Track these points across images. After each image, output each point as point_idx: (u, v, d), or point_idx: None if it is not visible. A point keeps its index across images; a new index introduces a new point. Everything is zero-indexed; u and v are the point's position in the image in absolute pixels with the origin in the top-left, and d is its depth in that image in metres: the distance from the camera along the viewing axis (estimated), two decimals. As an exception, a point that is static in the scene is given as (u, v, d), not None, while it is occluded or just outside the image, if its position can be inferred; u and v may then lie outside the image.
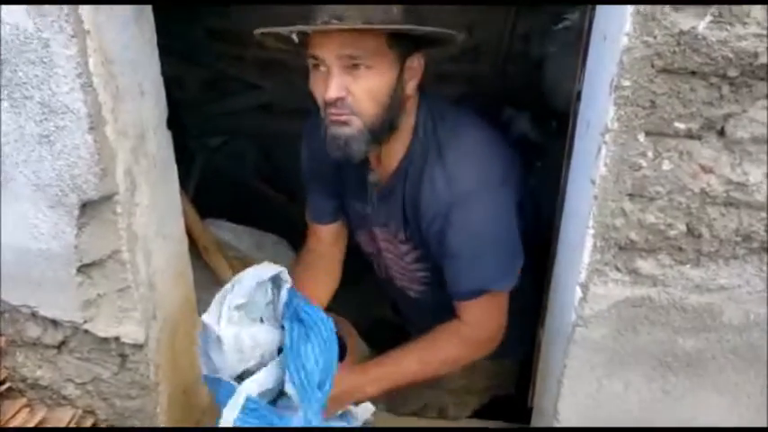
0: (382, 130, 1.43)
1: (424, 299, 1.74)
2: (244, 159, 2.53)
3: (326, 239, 1.80)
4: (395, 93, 1.40)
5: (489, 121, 1.65)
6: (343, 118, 1.38)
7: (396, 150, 1.51)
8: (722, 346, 1.30)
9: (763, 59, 1.05)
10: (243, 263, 2.04)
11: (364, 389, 1.56)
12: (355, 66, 1.34)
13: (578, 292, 1.28)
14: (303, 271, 1.75)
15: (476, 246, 1.48)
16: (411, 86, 1.44)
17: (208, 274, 1.91)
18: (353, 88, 1.36)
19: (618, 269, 1.25)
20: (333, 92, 1.34)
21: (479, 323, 1.58)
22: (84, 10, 1.14)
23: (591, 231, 1.21)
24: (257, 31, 1.38)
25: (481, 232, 1.48)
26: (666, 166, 1.15)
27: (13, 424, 1.45)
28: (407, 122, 1.49)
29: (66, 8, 1.11)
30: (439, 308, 1.64)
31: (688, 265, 1.24)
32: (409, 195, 1.53)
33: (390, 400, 1.89)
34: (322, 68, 1.36)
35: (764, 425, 1.38)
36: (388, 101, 1.40)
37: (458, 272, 1.52)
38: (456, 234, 1.47)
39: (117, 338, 1.45)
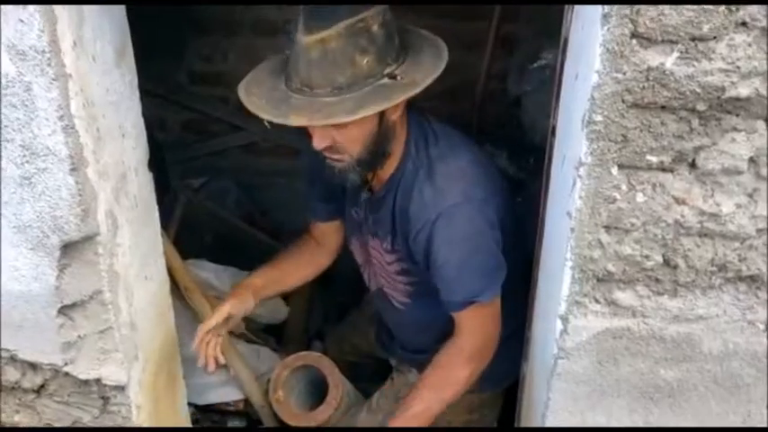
0: (375, 161, 1.53)
1: (408, 310, 1.77)
2: (226, 198, 2.54)
3: (318, 236, 1.90)
4: (380, 130, 1.47)
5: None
6: (334, 158, 1.49)
7: (388, 164, 1.58)
8: (703, 375, 1.31)
9: (730, 93, 1.08)
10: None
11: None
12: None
13: (559, 324, 1.29)
14: (288, 251, 1.92)
15: (460, 256, 1.55)
16: (396, 117, 1.50)
17: (189, 315, 1.89)
18: (337, 138, 1.45)
19: (597, 300, 1.26)
20: (317, 145, 1.45)
21: (476, 333, 1.63)
22: (66, 55, 1.16)
23: (569, 263, 1.23)
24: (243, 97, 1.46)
25: (465, 243, 1.54)
26: (640, 198, 1.17)
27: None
28: (399, 141, 1.56)
29: (47, 53, 1.12)
30: (422, 320, 1.71)
31: (666, 296, 1.25)
32: (399, 206, 1.59)
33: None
34: None
35: (748, 455, 1.39)
36: (375, 138, 1.48)
37: (447, 282, 1.57)
38: (441, 245, 1.53)
39: (98, 380, 1.43)
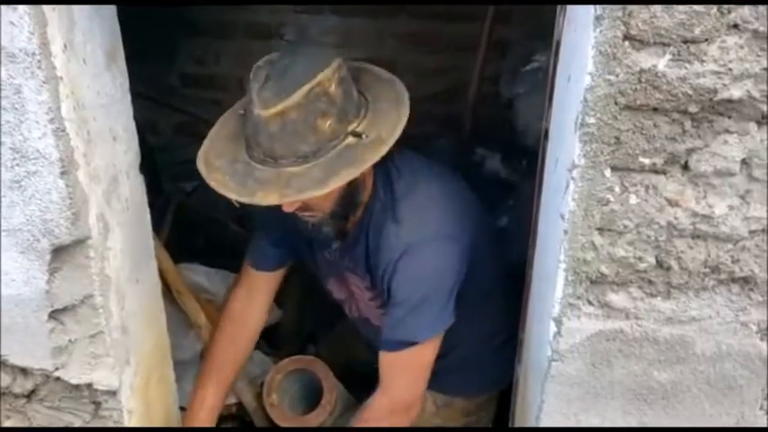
0: (347, 212, 1.50)
1: None
2: (218, 202, 2.53)
3: (256, 287, 1.78)
4: (350, 186, 1.43)
5: (458, 163, 1.69)
6: (305, 215, 1.47)
7: (358, 210, 1.55)
8: (696, 377, 1.31)
9: (722, 95, 1.09)
10: (216, 306, 2.03)
11: None
12: None
13: (552, 327, 1.29)
14: (219, 345, 1.76)
15: (417, 297, 1.50)
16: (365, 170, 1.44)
17: (181, 319, 1.89)
18: (306, 201, 1.41)
19: (590, 303, 1.26)
20: (287, 209, 1.42)
21: (402, 381, 1.58)
22: (57, 57, 1.15)
23: (562, 266, 1.23)
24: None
25: (424, 284, 1.50)
26: (633, 200, 1.17)
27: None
28: (367, 187, 1.53)
29: (38, 55, 1.12)
30: None
31: (659, 298, 1.25)
32: (371, 247, 1.55)
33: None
34: None
35: (741, 456, 1.39)
36: (346, 193, 1.45)
37: (394, 320, 1.53)
38: (399, 283, 1.50)
39: (89, 385, 1.42)
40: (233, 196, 1.35)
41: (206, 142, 1.47)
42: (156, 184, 2.04)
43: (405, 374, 1.58)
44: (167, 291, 1.76)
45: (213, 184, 1.38)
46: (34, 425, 1.49)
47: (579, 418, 1.38)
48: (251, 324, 1.79)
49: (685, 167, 1.15)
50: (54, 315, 1.35)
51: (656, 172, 1.16)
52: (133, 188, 1.46)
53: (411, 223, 1.49)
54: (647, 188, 1.17)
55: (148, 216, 1.55)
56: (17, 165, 1.20)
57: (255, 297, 1.78)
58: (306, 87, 1.30)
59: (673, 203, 1.18)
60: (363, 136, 1.36)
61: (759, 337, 1.27)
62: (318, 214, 1.46)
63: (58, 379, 1.42)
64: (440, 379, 1.79)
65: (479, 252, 1.59)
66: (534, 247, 1.46)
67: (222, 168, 1.39)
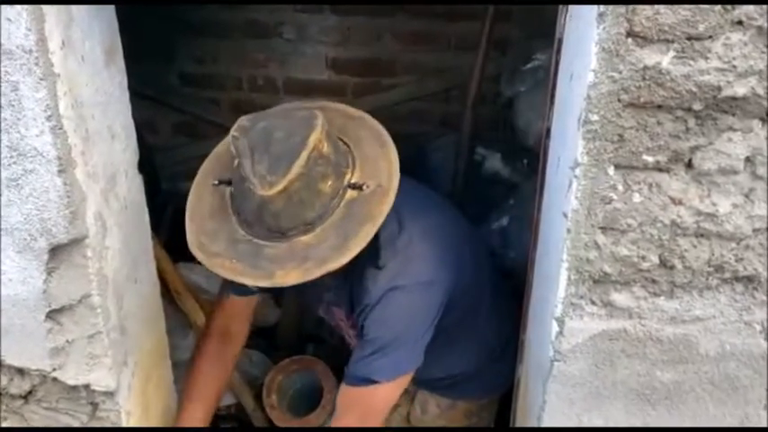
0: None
1: None
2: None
3: (242, 309, 1.72)
4: None
5: (458, 162, 1.67)
6: None
7: None
8: (700, 377, 1.30)
9: (726, 92, 1.08)
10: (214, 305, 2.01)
11: None
12: None
13: (555, 327, 1.28)
14: (196, 376, 1.68)
15: (384, 337, 1.47)
16: None
17: (180, 319, 1.88)
18: None
19: (593, 302, 1.25)
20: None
21: (349, 421, 1.54)
22: (54, 54, 1.14)
23: (565, 265, 1.22)
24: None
25: (392, 325, 1.47)
26: (637, 198, 1.16)
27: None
28: None
29: (35, 52, 1.10)
30: None
31: (662, 297, 1.24)
32: (353, 289, 1.52)
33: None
34: None
35: (744, 457, 1.38)
36: None
37: (359, 357, 1.50)
38: (372, 323, 1.47)
39: (87, 386, 1.41)
40: (248, 282, 1.30)
41: (189, 225, 1.39)
42: (154, 183, 2.03)
43: (357, 411, 1.54)
44: (166, 291, 1.74)
45: (221, 272, 1.31)
46: (31, 426, 1.48)
47: (581, 418, 1.37)
48: (234, 341, 1.74)
49: (689, 165, 1.14)
50: (51, 315, 1.34)
51: (660, 170, 1.15)
52: (131, 187, 1.45)
53: (390, 270, 1.45)
54: (651, 186, 1.16)
55: (147, 215, 1.53)
56: (14, 163, 1.19)
57: (236, 317, 1.73)
58: (303, 156, 1.25)
59: (676, 202, 1.17)
60: (364, 187, 1.32)
61: (763, 336, 1.26)
62: None
63: (55, 380, 1.41)
64: (442, 388, 1.78)
65: (466, 283, 1.57)
66: (536, 246, 1.45)
67: (223, 253, 1.33)
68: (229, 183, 1.38)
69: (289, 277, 1.28)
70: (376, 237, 1.39)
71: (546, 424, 1.38)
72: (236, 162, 1.31)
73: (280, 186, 1.25)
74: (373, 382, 1.48)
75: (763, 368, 1.28)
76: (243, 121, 1.35)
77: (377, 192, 1.32)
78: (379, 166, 1.35)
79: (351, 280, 1.52)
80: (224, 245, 1.33)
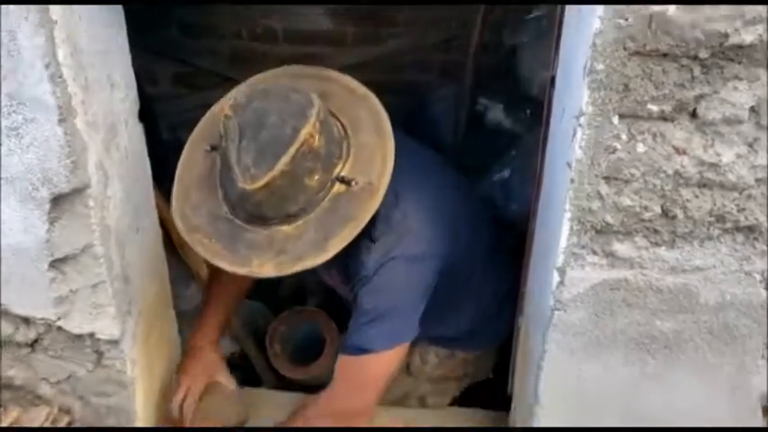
0: None
1: None
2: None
3: None
4: None
5: (459, 113, 1.66)
6: None
7: None
8: (699, 327, 1.31)
9: (733, 40, 1.06)
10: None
11: None
12: None
13: (556, 277, 1.29)
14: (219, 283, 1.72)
15: (379, 308, 1.48)
16: None
17: (182, 269, 1.89)
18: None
19: (595, 252, 1.26)
20: None
21: (342, 390, 1.55)
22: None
23: (567, 215, 1.22)
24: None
25: (386, 296, 1.47)
26: (641, 148, 1.15)
27: (-15, 426, 1.42)
28: None
29: (31, -4, 1.09)
30: None
31: (663, 247, 1.25)
32: (349, 260, 1.51)
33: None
34: None
35: (739, 405, 1.40)
36: None
37: (355, 327, 1.50)
38: (366, 294, 1.47)
39: (92, 335, 1.42)
40: (225, 266, 1.30)
41: (176, 189, 1.39)
42: (155, 134, 2.01)
43: (353, 380, 1.55)
44: (168, 241, 1.74)
45: (200, 249, 1.32)
46: (38, 374, 1.50)
47: (581, 367, 1.39)
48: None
49: (693, 115, 1.13)
50: (55, 264, 1.35)
51: (665, 119, 1.14)
52: (132, 137, 1.44)
53: (385, 244, 1.45)
54: (655, 136, 1.15)
55: (148, 165, 1.53)
56: (14, 111, 1.18)
57: None
58: (290, 152, 1.23)
59: (680, 151, 1.16)
60: (353, 183, 1.30)
61: (763, 286, 1.27)
62: None
63: (60, 328, 1.42)
64: (440, 339, 1.80)
65: (460, 252, 1.57)
66: (538, 197, 1.45)
67: (203, 228, 1.33)
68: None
69: (263, 269, 1.29)
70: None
71: (545, 373, 1.40)
72: (223, 143, 1.30)
73: (261, 182, 1.23)
74: (368, 351, 1.48)
75: (763, 318, 1.30)
76: (240, 96, 1.32)
77: (366, 189, 1.30)
78: (374, 159, 1.32)
79: (346, 250, 1.52)
80: (205, 219, 1.33)
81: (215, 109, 1.46)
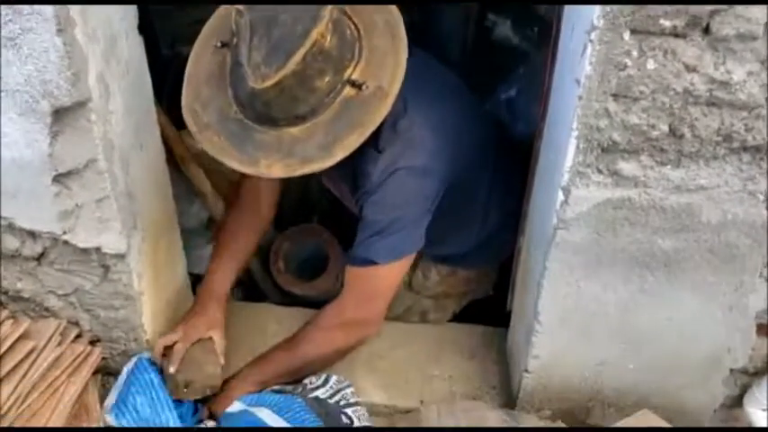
0: None
1: None
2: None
3: (255, 192, 1.74)
4: None
5: (467, 30, 1.62)
6: None
7: None
8: (699, 245, 1.32)
9: (752, -49, 1.03)
10: (221, 174, 2.02)
11: (243, 388, 1.58)
12: None
13: (560, 196, 1.29)
14: (229, 230, 1.73)
15: (383, 220, 1.49)
16: None
17: (186, 186, 1.89)
18: None
19: (600, 171, 1.25)
20: None
21: (362, 297, 1.58)
22: None
23: (574, 133, 1.21)
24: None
25: (390, 209, 1.48)
26: (651, 65, 1.13)
27: (-3, 335, 1.45)
28: None
29: None
30: None
31: (669, 166, 1.24)
32: (356, 170, 1.51)
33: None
34: None
35: (735, 323, 1.43)
36: None
37: (361, 239, 1.52)
38: (370, 206, 1.48)
39: (98, 249, 1.44)
40: (234, 165, 1.29)
41: (186, 88, 1.36)
42: (154, 49, 1.97)
43: (361, 291, 1.57)
44: (171, 158, 1.74)
45: (208, 147, 1.31)
46: (46, 287, 1.53)
47: (580, 284, 1.41)
48: (261, 216, 1.77)
49: (706, 31, 1.11)
50: (58, 179, 1.34)
51: (677, 35, 1.11)
52: (132, 50, 1.41)
53: (389, 155, 1.44)
54: (666, 53, 1.13)
55: (149, 79, 1.51)
56: (10, 21, 1.15)
57: (261, 195, 1.75)
58: (301, 52, 1.21)
59: (690, 69, 1.14)
60: (363, 87, 1.27)
61: (765, 206, 1.27)
62: None
63: (66, 243, 1.43)
64: (442, 257, 1.82)
65: (464, 173, 1.56)
66: (545, 115, 1.43)
67: (213, 126, 1.32)
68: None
69: (272, 169, 1.29)
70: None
71: (545, 290, 1.42)
72: (234, 41, 1.27)
73: (272, 81, 1.22)
74: (375, 263, 1.51)
75: (763, 237, 1.31)
76: None
77: (376, 94, 1.28)
78: (386, 63, 1.30)
79: (352, 159, 1.51)
80: (215, 117, 1.32)
81: (226, 6, 1.42)
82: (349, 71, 1.29)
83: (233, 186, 1.83)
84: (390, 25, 1.34)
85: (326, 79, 1.27)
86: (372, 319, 1.62)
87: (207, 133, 1.32)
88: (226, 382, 1.61)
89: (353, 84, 1.29)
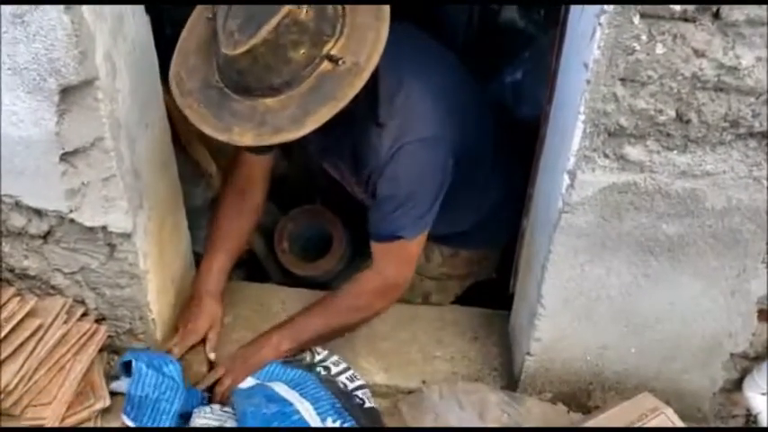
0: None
1: None
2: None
3: (257, 172, 1.74)
4: None
5: (472, 13, 1.62)
6: None
7: None
8: (703, 230, 1.33)
9: (764, -64, 1.02)
10: (225, 154, 2.02)
11: (277, 347, 1.63)
12: None
13: (566, 179, 1.29)
14: (222, 218, 1.75)
15: (401, 195, 1.51)
16: None
17: (191, 166, 1.89)
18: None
19: (606, 155, 1.26)
20: None
21: (391, 268, 1.62)
22: None
23: (581, 117, 1.21)
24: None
25: (408, 184, 1.50)
26: (660, 49, 1.13)
27: (4, 313, 1.46)
28: None
29: None
30: None
31: (675, 152, 1.25)
32: (357, 147, 1.52)
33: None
34: None
35: (737, 308, 1.44)
36: None
37: (381, 215, 1.55)
38: (386, 181, 1.50)
39: (104, 228, 1.44)
40: (209, 131, 1.30)
41: (175, 57, 1.37)
42: (160, 29, 1.96)
43: (396, 260, 1.61)
44: (176, 138, 1.73)
45: (188, 113, 1.32)
46: (52, 265, 1.53)
47: (584, 268, 1.42)
48: (254, 197, 1.77)
49: (716, 16, 1.11)
50: (65, 158, 1.34)
51: (686, 20, 1.11)
52: (139, 28, 1.41)
53: (394, 129, 1.46)
54: (675, 37, 1.12)
55: (156, 59, 1.50)
56: (19, -2, 1.14)
57: (253, 175, 1.75)
58: (273, 21, 1.21)
59: (699, 54, 1.14)
60: (340, 62, 1.27)
61: (770, 191, 1.28)
62: None
63: (72, 221, 1.44)
64: (445, 236, 1.83)
65: (469, 143, 1.57)
66: (552, 99, 1.43)
67: (195, 93, 1.33)
68: None
69: (244, 137, 1.29)
70: (374, 92, 1.40)
71: (549, 272, 1.43)
72: (214, 11, 1.29)
73: (243, 48, 1.23)
74: (399, 237, 1.54)
75: (766, 222, 1.31)
76: None
77: (352, 70, 1.27)
78: (366, 39, 1.29)
79: (351, 136, 1.52)
80: (198, 84, 1.34)
81: None
82: (328, 46, 1.29)
83: (223, 174, 1.83)
84: (376, 5, 1.34)
85: (302, 51, 1.27)
86: (406, 281, 1.67)
87: (188, 99, 1.34)
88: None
89: (331, 59, 1.28)
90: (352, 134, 1.49)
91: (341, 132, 1.47)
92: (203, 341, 1.68)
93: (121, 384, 1.56)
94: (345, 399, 1.54)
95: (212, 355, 1.66)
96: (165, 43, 1.69)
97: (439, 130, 1.50)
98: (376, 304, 1.67)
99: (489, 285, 1.99)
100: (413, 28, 1.41)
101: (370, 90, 1.39)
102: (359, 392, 1.58)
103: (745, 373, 1.56)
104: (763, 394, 1.52)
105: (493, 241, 1.91)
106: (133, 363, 1.53)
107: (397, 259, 1.61)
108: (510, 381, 1.71)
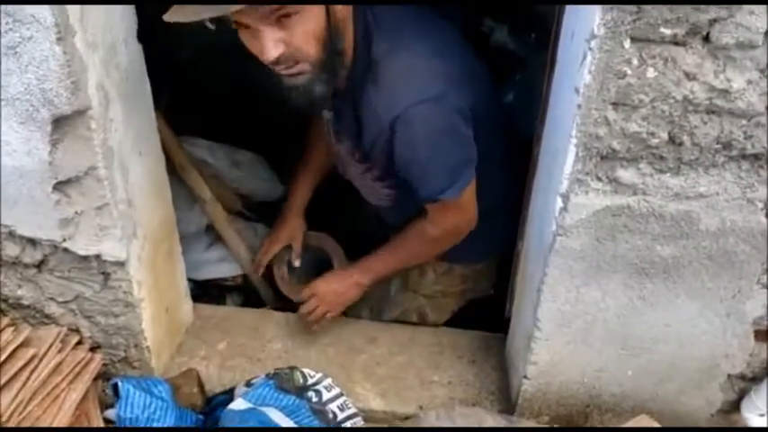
0: (334, 63, 1.38)
1: (394, 207, 1.74)
2: (218, 73, 2.46)
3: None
4: (330, 23, 1.32)
5: (464, 34, 1.61)
6: (292, 71, 1.33)
7: (341, 74, 1.45)
8: (698, 252, 1.33)
9: (751, -39, 1.03)
10: (219, 181, 2.02)
11: (358, 280, 1.78)
12: (282, 16, 1.25)
13: (559, 202, 1.29)
14: (312, 141, 1.91)
15: (423, 157, 1.48)
16: (340, 9, 1.35)
17: (185, 192, 1.88)
18: (289, 39, 1.28)
19: (599, 179, 1.26)
20: (270, 53, 1.28)
21: (443, 221, 1.66)
22: None
23: (573, 141, 1.21)
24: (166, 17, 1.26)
25: (426, 145, 1.46)
26: (651, 73, 1.14)
27: (-3, 343, 1.45)
28: (349, 41, 1.42)
29: None
30: (412, 214, 1.69)
31: (668, 174, 1.25)
32: (357, 116, 1.49)
33: (370, 309, 1.96)
34: (249, 29, 1.27)
35: (733, 329, 1.43)
36: (327, 34, 1.33)
37: (416, 180, 1.53)
38: (402, 149, 1.46)
39: (98, 256, 1.44)
40: (200, 16, 1.21)
41: None
42: (152, 55, 1.97)
43: (451, 211, 1.63)
44: (170, 164, 1.73)
45: (181, 19, 1.25)
46: (46, 294, 1.52)
47: (580, 290, 1.41)
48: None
49: (706, 39, 1.11)
50: (59, 187, 1.35)
51: (677, 44, 1.12)
52: (131, 57, 1.41)
53: (397, 87, 1.41)
54: (666, 61, 1.13)
55: (149, 86, 1.51)
56: (11, 30, 1.15)
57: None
58: None
59: (690, 77, 1.15)
60: None
61: (764, 213, 1.28)
62: (306, 67, 1.34)
63: (66, 250, 1.44)
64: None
65: (484, 102, 1.54)
66: (543, 122, 1.44)
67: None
68: None
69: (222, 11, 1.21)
70: (368, 52, 1.42)
71: (545, 295, 1.43)
72: None
73: None
74: (438, 199, 1.56)
75: (761, 244, 1.31)
76: None
77: None
78: None
79: (352, 103, 1.49)
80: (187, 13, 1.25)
81: None
82: None
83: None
84: None
85: None
86: (466, 226, 1.69)
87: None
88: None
89: None
90: (353, 98, 1.48)
91: (342, 98, 1.50)
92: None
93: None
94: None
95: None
96: (160, 71, 1.70)
97: (444, 86, 1.43)
98: (445, 243, 1.73)
99: (486, 308, 1.97)
100: (419, 8, 1.43)
101: (368, 45, 1.42)
102: (349, 423, 1.57)
103: (742, 393, 1.55)
104: (761, 415, 1.51)
105: (486, 253, 1.89)
106: (119, 385, 1.51)
107: (453, 209, 1.63)
108: (507, 404, 1.70)
